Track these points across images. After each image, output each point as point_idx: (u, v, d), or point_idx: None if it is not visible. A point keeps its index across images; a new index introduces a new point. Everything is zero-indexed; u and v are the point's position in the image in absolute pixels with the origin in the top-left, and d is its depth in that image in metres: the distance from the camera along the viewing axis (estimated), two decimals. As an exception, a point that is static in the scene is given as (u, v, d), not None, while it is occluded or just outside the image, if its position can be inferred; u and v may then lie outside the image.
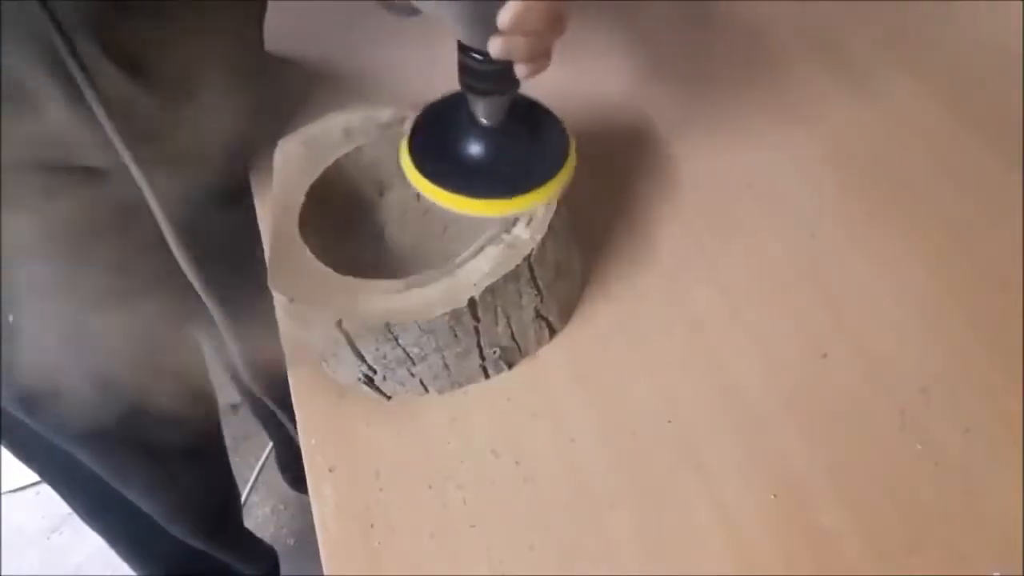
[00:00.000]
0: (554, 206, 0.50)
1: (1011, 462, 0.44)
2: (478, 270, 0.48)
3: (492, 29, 0.43)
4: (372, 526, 0.48)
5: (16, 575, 1.28)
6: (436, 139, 0.52)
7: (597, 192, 0.60)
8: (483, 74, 0.47)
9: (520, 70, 0.46)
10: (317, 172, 0.55)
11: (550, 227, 0.49)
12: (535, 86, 0.56)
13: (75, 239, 0.60)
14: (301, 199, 0.54)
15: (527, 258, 0.48)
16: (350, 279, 0.49)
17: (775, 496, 0.45)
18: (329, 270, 0.50)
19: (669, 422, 0.49)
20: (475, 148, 0.51)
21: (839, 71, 0.66)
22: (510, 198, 0.50)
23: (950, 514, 0.43)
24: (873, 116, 0.62)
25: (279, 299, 0.50)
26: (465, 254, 0.49)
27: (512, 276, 0.48)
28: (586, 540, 0.46)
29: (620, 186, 0.61)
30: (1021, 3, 0.65)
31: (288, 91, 0.71)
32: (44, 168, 0.56)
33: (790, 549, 0.43)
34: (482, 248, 0.49)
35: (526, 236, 0.49)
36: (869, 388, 0.48)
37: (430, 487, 0.49)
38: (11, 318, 0.61)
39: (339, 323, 0.47)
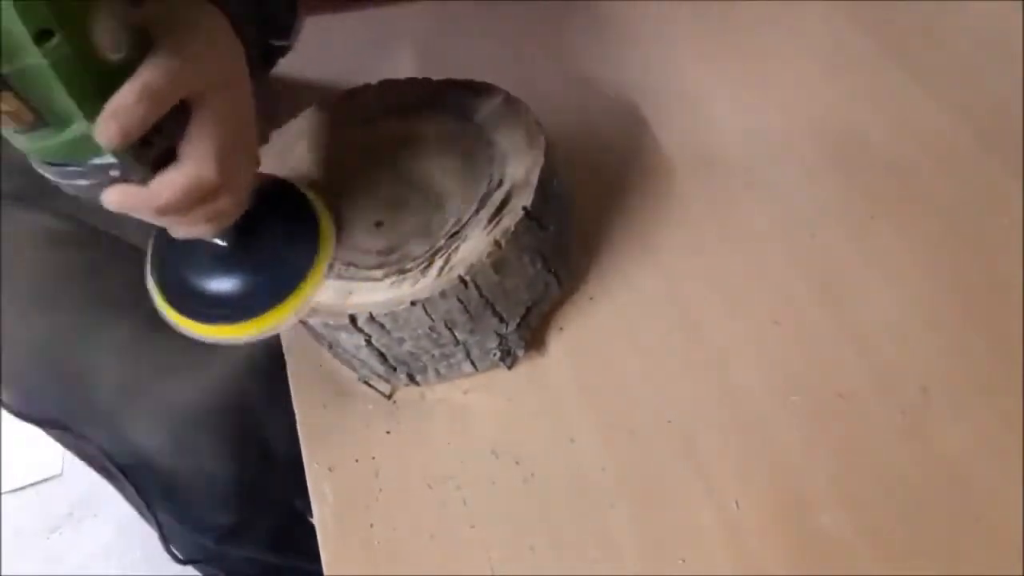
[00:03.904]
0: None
1: (1011, 462, 0.44)
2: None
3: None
4: (372, 526, 0.48)
5: (16, 575, 1.27)
6: (175, 261, 0.47)
7: (596, 192, 0.60)
8: None
9: (175, 232, 0.41)
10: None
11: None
12: (525, 86, 0.56)
13: None
14: None
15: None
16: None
17: (775, 495, 0.45)
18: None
19: (669, 422, 0.49)
20: (211, 272, 0.46)
21: (839, 72, 0.66)
22: (259, 315, 0.46)
23: (950, 514, 0.43)
24: (873, 116, 0.62)
25: None
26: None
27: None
28: (586, 540, 0.46)
29: (619, 186, 0.61)
30: (1021, 3, 0.65)
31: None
32: None
33: (790, 549, 0.43)
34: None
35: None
36: (869, 388, 0.48)
37: (430, 487, 0.49)
38: None
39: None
